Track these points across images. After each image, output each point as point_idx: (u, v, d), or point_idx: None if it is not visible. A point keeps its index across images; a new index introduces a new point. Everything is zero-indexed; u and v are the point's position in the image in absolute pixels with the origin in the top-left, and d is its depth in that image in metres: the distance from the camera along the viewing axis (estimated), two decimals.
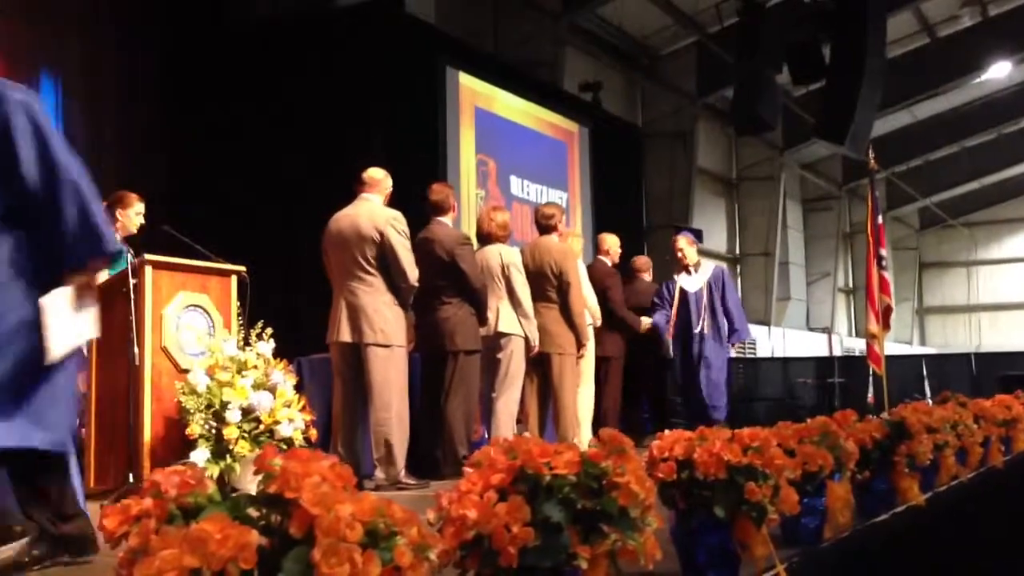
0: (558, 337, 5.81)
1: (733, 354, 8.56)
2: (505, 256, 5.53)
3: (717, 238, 19.01)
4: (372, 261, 4.80)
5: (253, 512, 1.19)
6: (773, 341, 19.08)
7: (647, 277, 8.29)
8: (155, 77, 9.14)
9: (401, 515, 1.27)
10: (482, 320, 5.30)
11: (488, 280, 5.41)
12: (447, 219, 5.39)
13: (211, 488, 1.20)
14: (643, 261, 8.43)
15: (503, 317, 5.44)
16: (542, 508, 1.68)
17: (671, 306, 7.69)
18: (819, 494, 2.74)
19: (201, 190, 8.88)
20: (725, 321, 7.66)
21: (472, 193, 10.48)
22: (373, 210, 4.90)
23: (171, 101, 9.21)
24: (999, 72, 18.05)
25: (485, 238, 5.65)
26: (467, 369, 5.13)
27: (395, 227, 4.82)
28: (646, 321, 7.51)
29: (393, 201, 5.13)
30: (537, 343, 5.62)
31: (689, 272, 7.80)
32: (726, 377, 7.80)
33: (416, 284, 4.84)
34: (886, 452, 3.32)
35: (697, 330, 7.59)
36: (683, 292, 7.70)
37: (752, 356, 17.33)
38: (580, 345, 5.95)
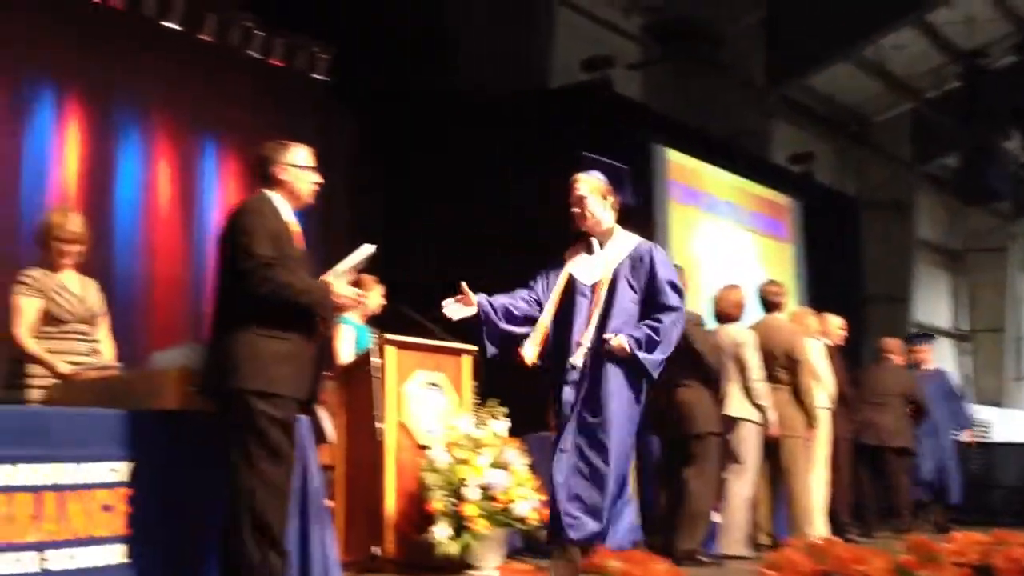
0: (787, 419, 5.62)
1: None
2: (737, 336, 5.40)
3: (940, 314, 17.89)
4: None
5: None
6: (1009, 424, 17.61)
7: (898, 360, 7.43)
8: (359, 156, 9.42)
9: None
10: (718, 401, 5.19)
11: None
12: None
13: None
14: (893, 343, 7.52)
15: (734, 400, 5.30)
16: None
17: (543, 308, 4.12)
18: None
19: (417, 268, 9.19)
20: (649, 335, 3.93)
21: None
22: None
23: (379, 181, 9.51)
24: None
25: (721, 317, 5.56)
26: (708, 450, 5.04)
27: None
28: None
29: None
30: (775, 426, 5.43)
31: (590, 248, 4.16)
32: (626, 437, 3.96)
33: None
34: None
35: (577, 355, 3.98)
36: (569, 282, 4.12)
37: (986, 440, 16.04)
38: (810, 427, 5.71)
